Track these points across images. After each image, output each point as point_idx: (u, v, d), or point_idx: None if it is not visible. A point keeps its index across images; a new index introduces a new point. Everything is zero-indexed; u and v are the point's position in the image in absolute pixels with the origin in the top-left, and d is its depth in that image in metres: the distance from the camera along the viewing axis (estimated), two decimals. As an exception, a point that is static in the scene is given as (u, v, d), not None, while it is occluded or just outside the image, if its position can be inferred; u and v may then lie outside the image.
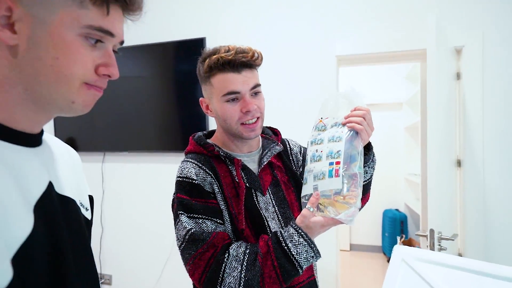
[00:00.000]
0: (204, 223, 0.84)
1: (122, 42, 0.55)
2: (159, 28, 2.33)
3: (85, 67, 0.49)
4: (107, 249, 2.51)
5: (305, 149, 1.00)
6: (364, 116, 0.85)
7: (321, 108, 0.95)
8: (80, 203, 0.62)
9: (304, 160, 1.04)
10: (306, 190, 0.86)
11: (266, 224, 0.91)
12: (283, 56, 2.09)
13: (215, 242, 0.81)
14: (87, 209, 0.65)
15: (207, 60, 0.90)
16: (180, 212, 0.86)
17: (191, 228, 0.83)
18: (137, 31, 1.84)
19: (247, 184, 0.92)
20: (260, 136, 1.05)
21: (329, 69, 2.03)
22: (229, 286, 0.77)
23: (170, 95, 2.35)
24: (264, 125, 1.02)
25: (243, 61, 0.88)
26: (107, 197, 2.50)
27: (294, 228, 0.81)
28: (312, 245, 0.80)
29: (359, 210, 0.78)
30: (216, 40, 2.13)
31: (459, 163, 1.85)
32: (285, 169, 1.03)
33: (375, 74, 4.19)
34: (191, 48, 2.23)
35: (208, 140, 0.98)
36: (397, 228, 3.92)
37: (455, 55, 1.85)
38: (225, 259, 0.79)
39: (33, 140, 0.53)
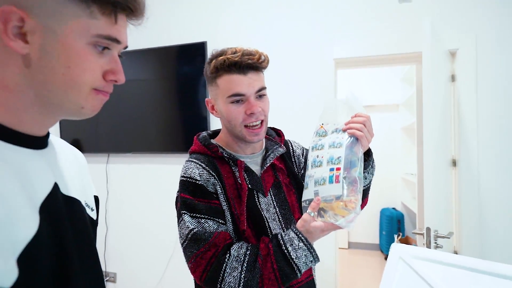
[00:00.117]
0: (206, 223, 0.85)
1: (126, 47, 0.56)
2: (161, 32, 2.36)
3: (94, 74, 0.50)
4: (112, 247, 2.53)
5: (307, 151, 1.00)
6: (364, 123, 0.85)
7: (322, 114, 0.96)
8: (86, 203, 0.62)
9: (306, 162, 1.03)
10: (307, 195, 0.87)
11: (266, 225, 0.92)
12: (282, 59, 2.12)
13: (217, 242, 0.82)
14: (92, 209, 0.65)
15: (214, 61, 0.90)
16: (184, 211, 0.87)
17: (194, 228, 0.84)
18: (140, 36, 1.89)
19: (249, 186, 0.92)
20: None
21: (327, 71, 2.06)
22: (229, 285, 0.78)
23: (172, 97, 2.36)
24: None
25: (249, 63, 0.88)
26: (111, 197, 2.52)
27: (294, 232, 0.82)
28: (312, 250, 0.81)
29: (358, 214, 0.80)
30: (217, 44, 2.15)
31: (454, 163, 1.87)
32: (287, 171, 1.03)
33: (372, 76, 4.23)
34: (193, 52, 2.26)
35: (212, 141, 0.99)
36: (394, 226, 3.94)
37: (449, 57, 1.89)
38: (226, 259, 0.81)
39: (39, 142, 0.53)
